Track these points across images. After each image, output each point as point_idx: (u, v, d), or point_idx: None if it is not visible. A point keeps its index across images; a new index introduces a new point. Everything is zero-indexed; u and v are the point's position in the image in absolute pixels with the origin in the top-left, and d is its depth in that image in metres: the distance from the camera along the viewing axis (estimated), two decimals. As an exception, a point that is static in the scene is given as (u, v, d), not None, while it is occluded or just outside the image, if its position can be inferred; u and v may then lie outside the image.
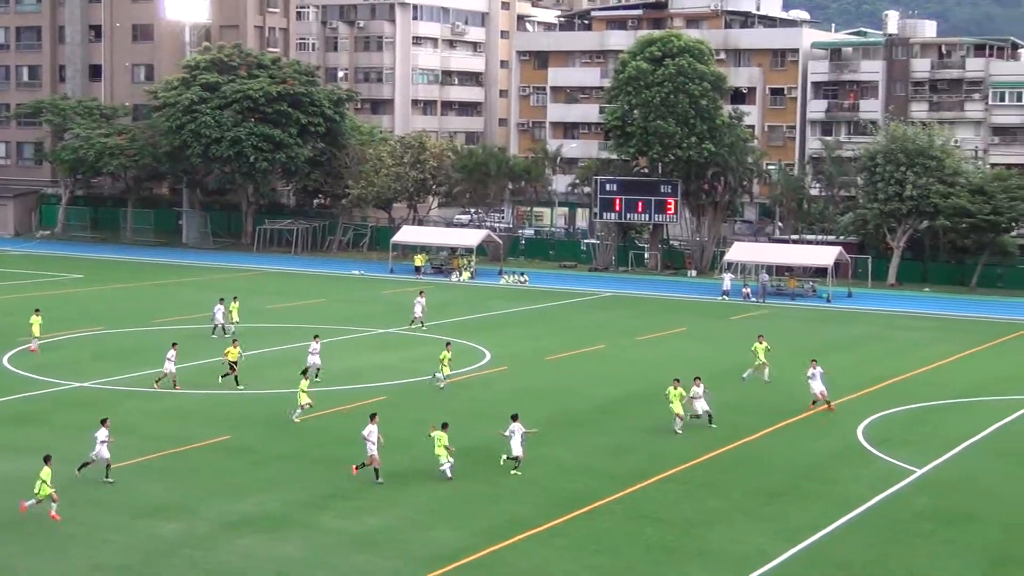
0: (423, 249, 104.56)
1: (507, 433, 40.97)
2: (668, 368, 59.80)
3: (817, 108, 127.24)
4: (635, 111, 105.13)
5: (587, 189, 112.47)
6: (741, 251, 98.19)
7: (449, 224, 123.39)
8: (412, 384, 54.82)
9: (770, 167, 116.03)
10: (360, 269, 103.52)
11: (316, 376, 53.47)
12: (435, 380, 54.01)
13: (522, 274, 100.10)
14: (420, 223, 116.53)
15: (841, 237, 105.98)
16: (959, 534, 35.20)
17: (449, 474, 39.49)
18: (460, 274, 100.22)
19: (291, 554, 32.87)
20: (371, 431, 39.45)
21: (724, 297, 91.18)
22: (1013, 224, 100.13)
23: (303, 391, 47.30)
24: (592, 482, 39.71)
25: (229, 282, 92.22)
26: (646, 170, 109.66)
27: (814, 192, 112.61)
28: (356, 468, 39.44)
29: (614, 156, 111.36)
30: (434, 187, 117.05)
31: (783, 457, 43.61)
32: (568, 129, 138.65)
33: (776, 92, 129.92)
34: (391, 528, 35.03)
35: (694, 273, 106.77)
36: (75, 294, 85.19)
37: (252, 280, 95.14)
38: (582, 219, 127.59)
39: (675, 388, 47.07)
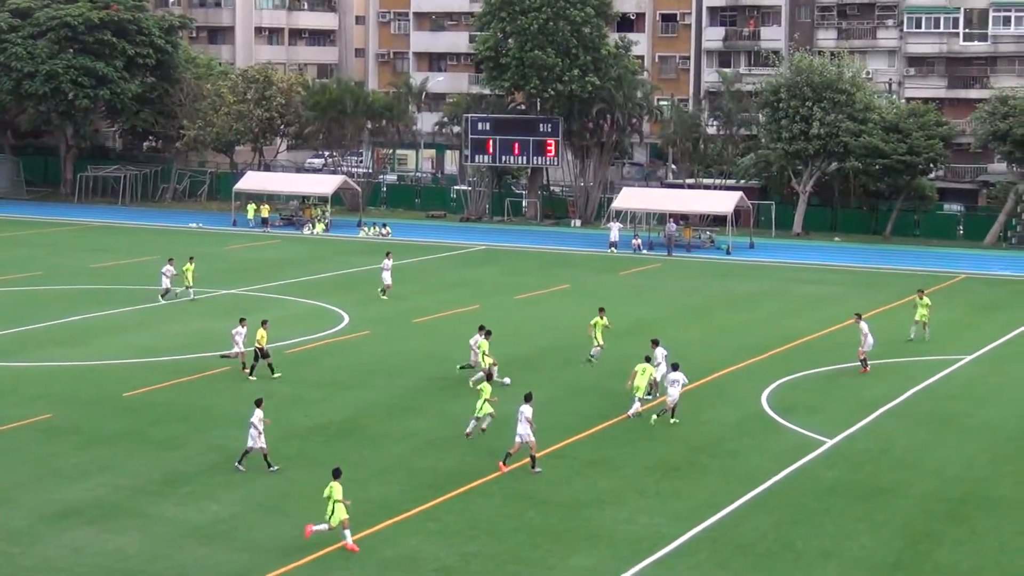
0: (270, 198, 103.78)
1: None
2: (551, 329, 60.21)
3: (713, 36, 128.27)
4: (510, 40, 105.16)
5: (456, 129, 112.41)
6: (630, 198, 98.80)
7: (300, 169, 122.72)
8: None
9: (662, 103, 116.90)
10: (198, 221, 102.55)
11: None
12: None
13: (384, 225, 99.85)
14: (267, 168, 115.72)
15: (742, 181, 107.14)
16: (873, 510, 35.91)
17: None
18: (313, 226, 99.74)
19: (125, 548, 32.56)
20: (258, 417, 38.82)
21: (612, 250, 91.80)
22: (931, 165, 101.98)
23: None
24: (468, 460, 39.86)
25: (46, 237, 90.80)
26: (523, 107, 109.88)
27: (711, 131, 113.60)
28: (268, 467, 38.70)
29: (487, 91, 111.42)
30: (282, 127, 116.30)
31: (680, 429, 44.08)
32: (434, 60, 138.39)
33: (668, 18, 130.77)
34: (237, 517, 34.86)
35: (578, 223, 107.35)
36: None
37: (73, 235, 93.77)
38: (451, 163, 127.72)
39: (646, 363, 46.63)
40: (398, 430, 42.79)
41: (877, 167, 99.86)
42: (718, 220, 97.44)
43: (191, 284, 67.25)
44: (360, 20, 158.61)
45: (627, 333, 58.17)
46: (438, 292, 71.71)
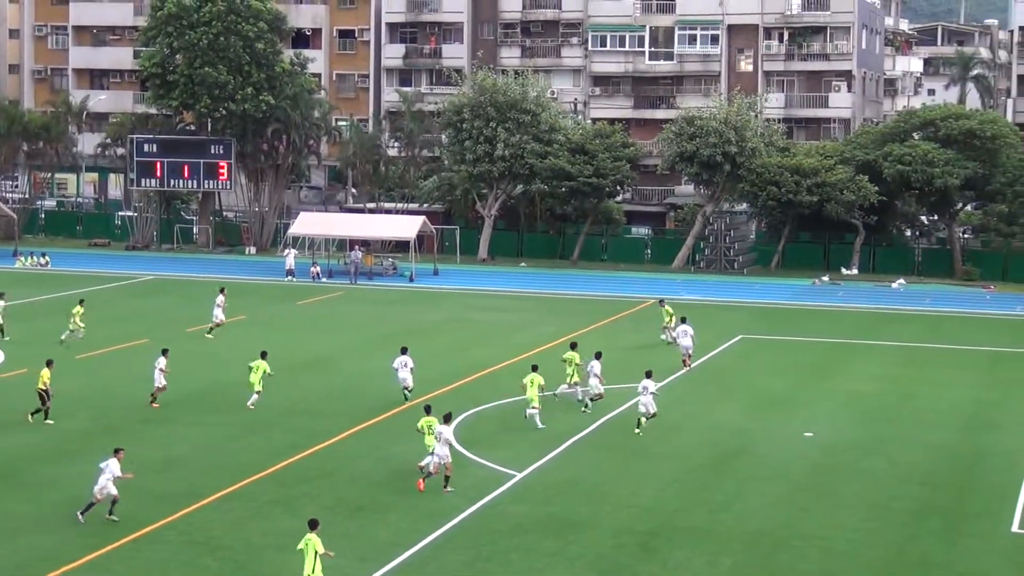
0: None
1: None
2: (226, 363, 59.77)
3: (393, 54, 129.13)
4: (178, 56, 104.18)
5: (121, 151, 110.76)
6: (308, 223, 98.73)
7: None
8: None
9: (340, 123, 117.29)
10: None
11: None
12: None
13: (43, 255, 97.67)
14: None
15: (425, 205, 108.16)
16: (564, 544, 36.62)
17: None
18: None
19: None
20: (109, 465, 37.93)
21: (290, 278, 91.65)
22: (618, 188, 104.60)
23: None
24: (138, 504, 39.23)
25: None
26: (193, 127, 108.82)
27: (392, 153, 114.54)
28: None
29: (153, 110, 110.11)
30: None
31: (364, 465, 44.25)
32: (96, 78, 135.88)
33: (346, 35, 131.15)
34: None
35: (253, 250, 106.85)
36: None
37: None
38: (116, 187, 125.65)
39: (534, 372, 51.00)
40: (60, 475, 41.88)
41: (563, 190, 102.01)
42: (401, 246, 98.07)
43: (81, 325, 65.58)
44: (14, 33, 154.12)
45: (306, 367, 58.16)
46: (103, 326, 70.28)
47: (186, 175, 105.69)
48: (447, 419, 41.94)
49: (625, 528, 38.24)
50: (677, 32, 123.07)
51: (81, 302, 67.48)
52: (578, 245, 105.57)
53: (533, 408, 50.14)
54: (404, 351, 54.35)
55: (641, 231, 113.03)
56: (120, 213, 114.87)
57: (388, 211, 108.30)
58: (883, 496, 41.73)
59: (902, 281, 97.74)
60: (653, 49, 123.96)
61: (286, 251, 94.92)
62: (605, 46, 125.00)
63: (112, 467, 38.03)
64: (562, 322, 74.97)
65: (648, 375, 50.64)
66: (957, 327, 79.03)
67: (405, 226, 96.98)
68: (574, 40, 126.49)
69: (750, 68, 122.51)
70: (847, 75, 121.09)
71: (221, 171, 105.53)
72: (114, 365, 59.75)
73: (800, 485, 42.95)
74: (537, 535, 37.37)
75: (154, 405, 51.68)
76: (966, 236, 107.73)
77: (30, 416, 49.51)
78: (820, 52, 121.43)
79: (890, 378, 61.87)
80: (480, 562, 35.21)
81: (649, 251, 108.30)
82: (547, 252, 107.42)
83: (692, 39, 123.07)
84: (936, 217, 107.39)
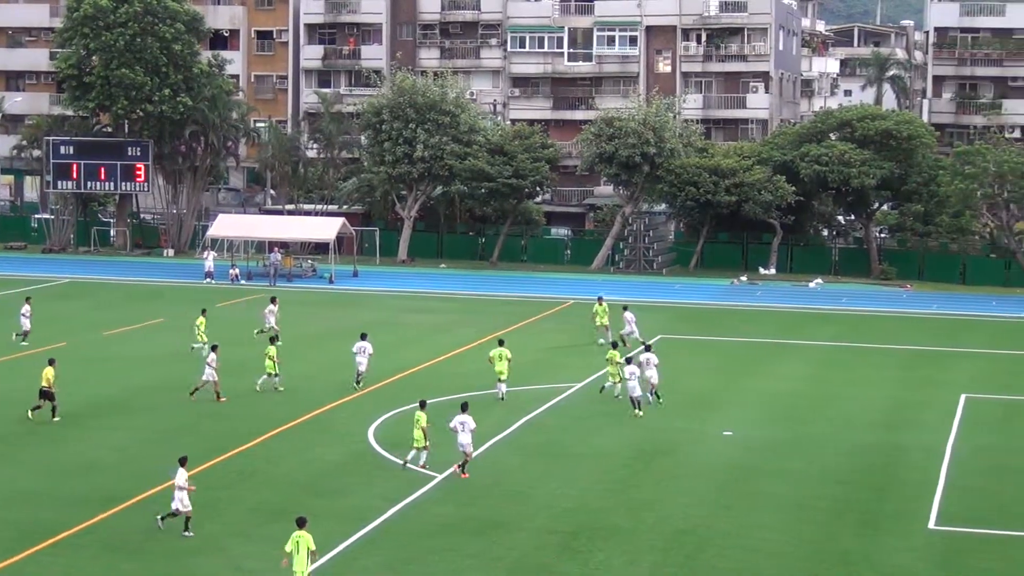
0: None
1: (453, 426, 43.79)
2: (144, 367, 59.41)
3: (312, 55, 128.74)
4: (94, 57, 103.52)
5: (37, 152, 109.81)
6: (227, 225, 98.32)
7: None
8: None
9: (259, 125, 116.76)
10: None
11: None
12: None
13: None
14: None
15: (344, 207, 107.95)
16: (487, 546, 36.67)
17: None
18: None
19: None
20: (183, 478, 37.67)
21: (209, 280, 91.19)
22: (537, 189, 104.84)
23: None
24: (55, 510, 38.94)
25: None
26: (110, 129, 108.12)
27: (311, 154, 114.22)
28: None
29: (70, 112, 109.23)
30: None
31: (285, 468, 44.12)
32: (12, 79, 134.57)
33: (264, 36, 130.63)
34: None
35: (171, 252, 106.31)
36: None
37: None
38: (31, 189, 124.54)
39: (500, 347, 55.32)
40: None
41: (483, 191, 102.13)
42: (320, 248, 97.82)
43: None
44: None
45: (225, 370, 57.82)
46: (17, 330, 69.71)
47: (103, 177, 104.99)
48: (464, 408, 44.42)
49: (547, 528, 38.32)
50: (596, 33, 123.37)
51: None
52: (498, 246, 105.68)
53: (501, 382, 54.35)
54: (364, 337, 57.04)
55: (561, 232, 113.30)
56: (36, 215, 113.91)
57: (307, 213, 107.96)
58: (803, 495, 42.03)
59: (819, 281, 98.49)
60: (572, 50, 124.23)
61: (205, 253, 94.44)
62: (524, 47, 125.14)
63: (179, 477, 37.48)
64: (483, 323, 75.05)
65: (628, 361, 54.90)
66: (874, 326, 79.71)
67: (324, 228, 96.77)
68: (493, 41, 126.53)
69: (668, 69, 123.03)
70: (764, 76, 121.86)
71: (138, 173, 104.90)
72: (30, 368, 59.09)
73: (721, 484, 43.19)
74: (460, 536, 37.40)
75: (192, 398, 53.35)
76: (883, 236, 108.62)
77: (30, 412, 49.74)
78: (738, 53, 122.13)
79: (808, 378, 62.34)
80: (402, 564, 35.18)
81: (569, 252, 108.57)
82: (467, 253, 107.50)
83: (611, 40, 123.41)
84: (853, 217, 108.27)
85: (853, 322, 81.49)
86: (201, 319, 64.33)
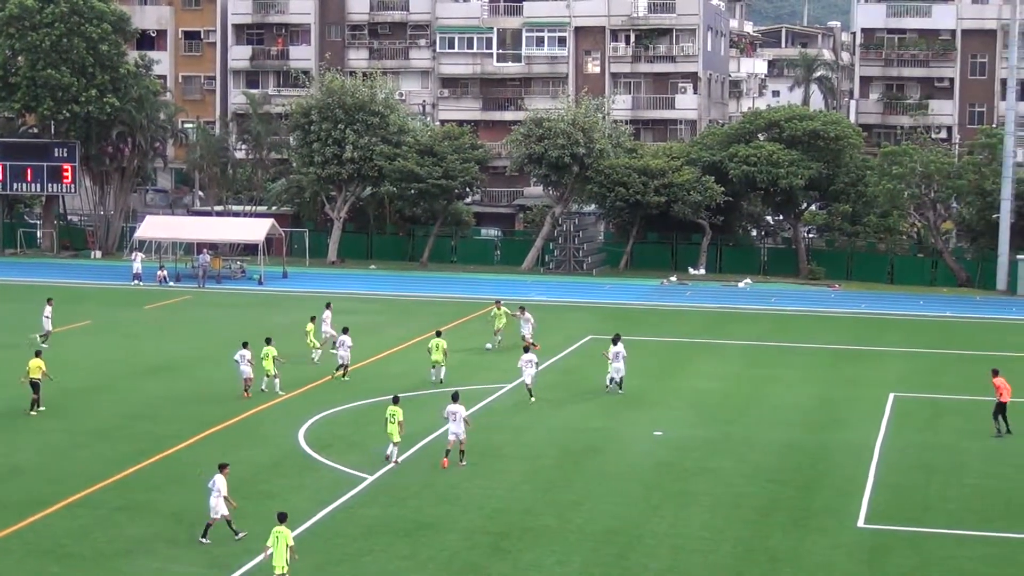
0: None
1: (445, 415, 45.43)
2: (72, 370, 58.99)
3: (240, 55, 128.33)
4: (19, 57, 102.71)
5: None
6: (154, 227, 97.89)
7: None
8: None
9: (187, 125, 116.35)
10: None
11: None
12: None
13: None
14: None
15: (273, 208, 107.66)
16: (418, 547, 36.63)
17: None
18: None
19: None
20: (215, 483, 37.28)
21: (137, 282, 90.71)
22: (467, 189, 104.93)
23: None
24: (-20, 514, 38.68)
25: None
26: (36, 130, 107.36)
27: (240, 155, 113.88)
28: None
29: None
30: None
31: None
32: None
33: (191, 36, 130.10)
34: None
35: (99, 254, 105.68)
36: None
37: None
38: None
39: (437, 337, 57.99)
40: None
41: (413, 191, 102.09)
42: (249, 249, 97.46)
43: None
44: None
45: (153, 372, 57.65)
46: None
47: (29, 178, 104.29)
48: (455, 399, 45.93)
49: (478, 528, 38.34)
50: (524, 34, 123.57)
51: (312, 319, 65.85)
52: (428, 247, 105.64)
53: (437, 368, 57.68)
54: (345, 331, 59.37)
55: (490, 232, 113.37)
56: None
57: (236, 214, 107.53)
58: (731, 493, 42.22)
59: (748, 280, 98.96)
60: (501, 51, 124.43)
61: (132, 255, 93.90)
62: (453, 48, 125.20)
63: (219, 484, 37.04)
64: (412, 324, 75.00)
65: (527, 350, 57.77)
66: (802, 326, 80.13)
67: (253, 229, 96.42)
68: (422, 42, 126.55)
69: (597, 70, 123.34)
70: (693, 77, 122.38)
71: (65, 174, 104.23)
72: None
73: (649, 484, 43.30)
74: (389, 537, 37.35)
75: (246, 395, 54.77)
76: (811, 236, 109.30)
77: (33, 412, 50.31)
78: (666, 54, 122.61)
79: (737, 377, 62.60)
80: (331, 565, 35.10)
81: (499, 252, 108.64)
82: (397, 254, 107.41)
83: (540, 41, 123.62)
84: (781, 217, 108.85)
85: (782, 321, 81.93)
86: (310, 325, 64.56)
